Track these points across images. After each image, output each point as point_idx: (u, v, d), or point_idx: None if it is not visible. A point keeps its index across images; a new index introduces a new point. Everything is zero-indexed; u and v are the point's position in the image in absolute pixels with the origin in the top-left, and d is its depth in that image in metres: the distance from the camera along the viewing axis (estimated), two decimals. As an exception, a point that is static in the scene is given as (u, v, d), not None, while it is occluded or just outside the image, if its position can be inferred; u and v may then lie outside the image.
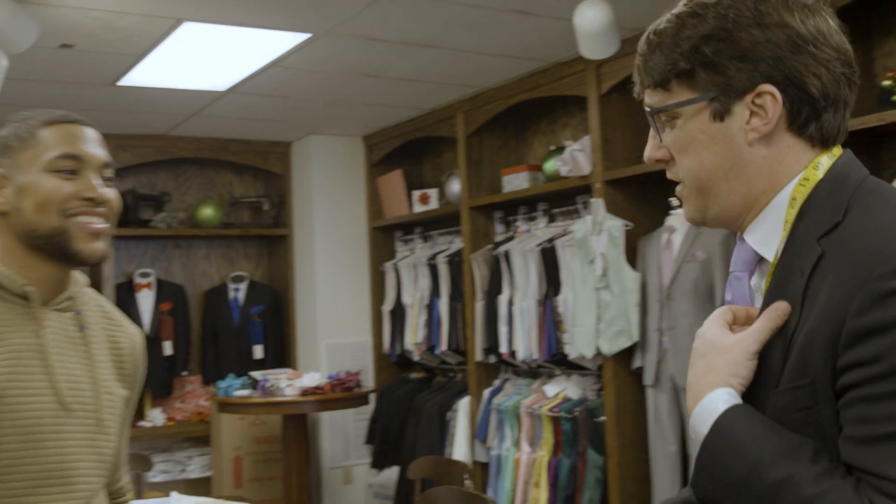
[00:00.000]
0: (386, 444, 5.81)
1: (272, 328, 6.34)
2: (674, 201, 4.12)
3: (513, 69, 4.69)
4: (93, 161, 1.57)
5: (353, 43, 4.14)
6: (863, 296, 1.00)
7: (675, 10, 1.19)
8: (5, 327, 1.49)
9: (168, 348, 6.00)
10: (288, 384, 5.06)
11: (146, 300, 5.99)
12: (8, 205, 1.54)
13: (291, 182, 6.37)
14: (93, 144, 1.59)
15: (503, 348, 4.95)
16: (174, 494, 3.55)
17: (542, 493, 4.55)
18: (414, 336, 5.72)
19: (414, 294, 5.82)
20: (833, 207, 1.10)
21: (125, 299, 5.91)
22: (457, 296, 5.45)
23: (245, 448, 5.76)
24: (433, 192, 5.75)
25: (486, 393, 5.15)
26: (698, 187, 1.19)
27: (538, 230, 4.95)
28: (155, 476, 5.84)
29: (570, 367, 4.75)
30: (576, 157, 4.40)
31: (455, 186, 5.49)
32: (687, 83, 1.16)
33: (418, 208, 5.79)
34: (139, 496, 3.82)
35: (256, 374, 5.33)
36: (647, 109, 1.21)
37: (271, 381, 5.14)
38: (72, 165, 1.54)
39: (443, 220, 5.81)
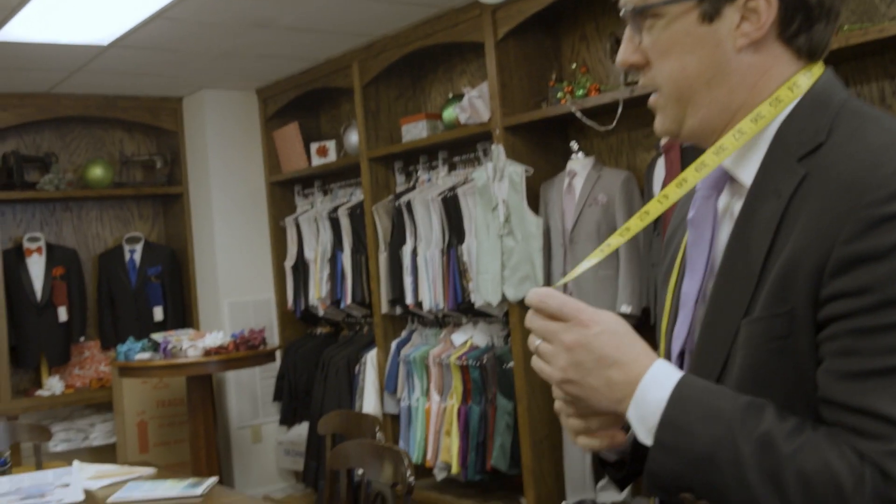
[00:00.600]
0: (294, 400, 5.76)
1: (171, 289, 6.19)
2: (574, 145, 4.13)
3: (407, 16, 4.60)
4: None
5: (242, -9, 4.00)
6: (854, 222, 0.95)
7: None
8: None
9: (63, 314, 5.79)
10: (190, 345, 4.94)
11: (37, 266, 5.76)
12: None
13: (184, 138, 6.18)
14: None
15: (409, 299, 4.92)
16: (76, 463, 3.46)
17: (453, 441, 4.57)
18: (318, 291, 5.64)
19: (316, 248, 5.73)
20: (815, 128, 1.05)
21: (14, 266, 5.68)
22: (360, 248, 5.39)
23: (149, 412, 5.63)
24: (331, 144, 5.65)
25: (394, 344, 5.13)
26: (677, 95, 1.11)
27: (439, 179, 4.91)
28: (57, 445, 5.68)
29: (476, 315, 4.76)
30: (474, 104, 4.35)
31: (353, 138, 5.40)
32: None
33: (317, 161, 5.68)
34: (38, 467, 3.70)
35: (157, 336, 5.19)
36: (629, 7, 1.12)
37: (173, 343, 5.02)
38: None
39: (342, 173, 5.73)
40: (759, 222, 1.05)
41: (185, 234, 6.21)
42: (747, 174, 1.10)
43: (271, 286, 6.13)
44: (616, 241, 1.13)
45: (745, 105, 1.09)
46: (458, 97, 4.59)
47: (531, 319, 1.07)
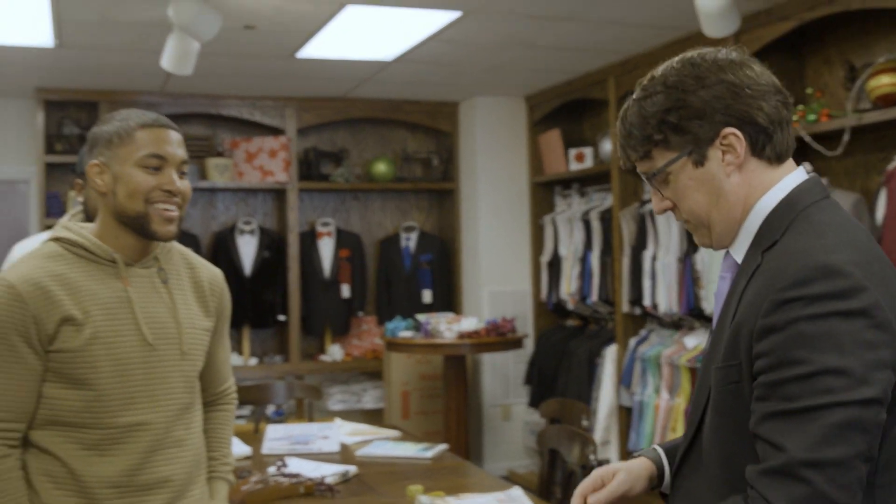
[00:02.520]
0: (542, 385, 6.23)
1: (440, 275, 6.85)
2: (807, 166, 4.28)
3: (658, 37, 4.92)
4: (173, 160, 1.98)
5: (501, 18, 4.50)
6: (768, 302, 1.30)
7: (634, 97, 1.49)
8: (98, 285, 1.94)
9: (346, 291, 6.62)
10: (447, 328, 5.55)
11: (326, 247, 6.61)
12: (106, 187, 1.97)
13: (459, 139, 6.82)
14: (175, 146, 1.99)
15: (646, 301, 5.25)
16: (337, 420, 4.12)
17: (676, 438, 4.85)
18: (568, 286, 6.08)
19: (569, 247, 6.17)
20: (777, 228, 1.40)
21: (308, 246, 6.56)
22: (607, 250, 5.77)
23: (412, 384, 6.32)
24: (588, 151, 6.05)
25: (633, 342, 5.47)
26: (698, 222, 1.48)
27: (682, 190, 5.18)
28: (334, 405, 6.51)
29: (707, 321, 5.00)
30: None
31: (607, 146, 5.77)
32: (664, 147, 1.45)
33: (574, 166, 6.11)
34: (310, 420, 4.41)
35: (421, 317, 5.84)
36: (643, 176, 1.50)
37: (433, 324, 5.64)
38: (157, 163, 1.95)
39: (597, 178, 6.11)
40: (734, 294, 1.44)
41: (454, 226, 6.85)
42: (740, 258, 1.48)
43: (528, 279, 6.64)
44: None
45: (742, 211, 1.45)
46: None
47: None
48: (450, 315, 5.93)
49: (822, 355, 1.24)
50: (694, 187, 1.45)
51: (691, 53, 1.46)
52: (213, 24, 3.77)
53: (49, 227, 5.35)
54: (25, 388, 1.90)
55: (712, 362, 1.44)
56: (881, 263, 1.34)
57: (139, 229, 1.97)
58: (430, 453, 3.56)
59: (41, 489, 1.92)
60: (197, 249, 6.27)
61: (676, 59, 1.47)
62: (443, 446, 3.67)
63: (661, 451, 1.64)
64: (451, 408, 5.70)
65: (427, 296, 6.81)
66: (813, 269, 1.28)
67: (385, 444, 3.74)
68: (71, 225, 2.03)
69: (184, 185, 2.00)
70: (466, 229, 6.77)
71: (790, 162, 1.48)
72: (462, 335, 5.52)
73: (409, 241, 6.87)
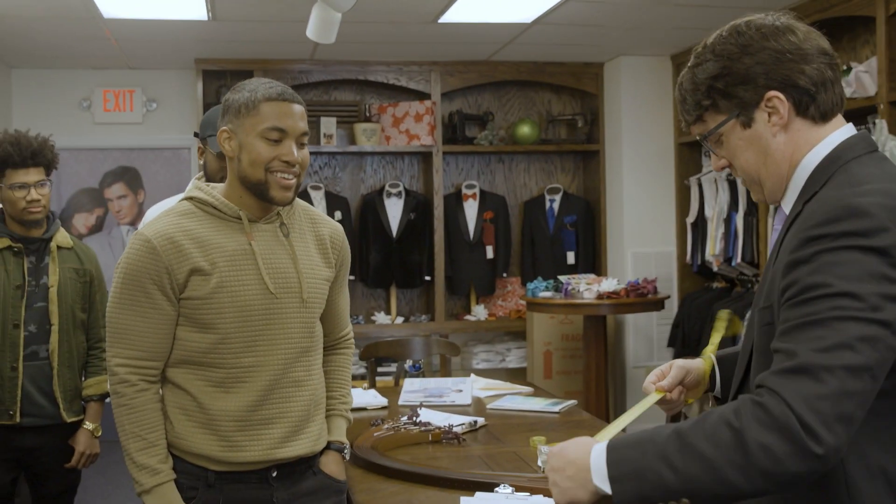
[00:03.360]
0: (686, 347, 6.19)
1: (584, 236, 6.88)
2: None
3: (803, -9, 4.78)
4: (293, 132, 2.12)
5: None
6: (797, 240, 1.40)
7: (689, 65, 1.60)
8: (225, 239, 2.13)
9: (490, 252, 6.74)
10: (587, 288, 5.59)
11: (471, 209, 6.74)
12: (232, 153, 2.14)
13: (603, 100, 6.80)
14: (296, 119, 2.12)
15: (791, 262, 5.14)
16: (472, 376, 4.25)
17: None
18: (713, 247, 6.01)
19: (714, 207, 6.08)
20: (819, 181, 1.50)
21: (453, 208, 6.71)
22: (752, 210, 5.66)
23: (554, 343, 6.40)
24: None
25: (777, 304, 5.37)
26: (751, 179, 1.59)
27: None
28: (478, 364, 6.66)
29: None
30: (860, 78, 4.45)
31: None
32: (714, 111, 1.56)
33: (720, 125, 5.99)
34: (447, 374, 4.56)
35: (563, 278, 5.90)
36: (698, 138, 1.61)
37: (573, 285, 5.69)
38: (277, 136, 2.10)
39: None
40: (777, 243, 1.52)
41: (598, 187, 6.85)
42: (788, 209, 1.58)
43: (673, 240, 6.58)
44: None
45: (790, 168, 1.55)
46: (847, 70, 4.69)
47: None
48: (590, 276, 5.96)
49: (841, 281, 1.32)
50: (743, 147, 1.55)
51: (739, 21, 1.55)
52: (351, -8, 3.92)
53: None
54: (160, 330, 2.11)
55: (756, 305, 1.54)
56: None
57: (259, 194, 2.14)
58: (557, 408, 3.64)
59: (175, 420, 2.15)
60: (346, 212, 6.52)
61: (726, 27, 1.56)
62: (571, 402, 3.74)
63: (714, 358, 1.81)
64: (591, 367, 5.75)
65: (570, 257, 6.86)
66: (840, 208, 1.37)
67: (515, 399, 3.84)
68: (202, 185, 2.23)
69: (302, 155, 2.15)
70: (610, 191, 6.76)
71: (838, 118, 1.55)
72: (602, 295, 5.55)
73: (553, 203, 6.92)
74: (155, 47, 5.95)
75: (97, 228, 6.75)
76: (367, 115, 6.71)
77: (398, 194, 6.63)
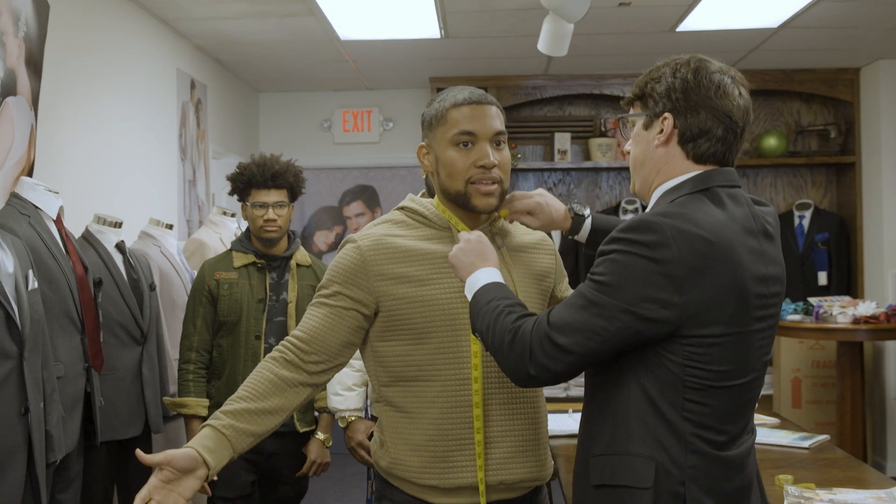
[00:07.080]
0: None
1: (837, 255, 6.38)
2: None
3: None
4: (485, 133, 2.01)
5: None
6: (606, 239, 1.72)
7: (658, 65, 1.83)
8: (433, 244, 2.05)
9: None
10: (841, 311, 5.15)
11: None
12: (431, 167, 2.08)
13: (860, 108, 6.28)
14: (487, 119, 2.01)
15: None
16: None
17: None
18: None
19: None
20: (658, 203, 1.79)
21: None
22: None
23: (804, 370, 5.95)
24: None
25: None
26: (632, 169, 1.86)
27: None
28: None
29: None
30: None
31: None
32: (641, 104, 1.82)
33: None
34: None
35: (813, 300, 5.48)
36: (621, 118, 1.88)
37: (825, 308, 5.27)
38: (467, 139, 2.00)
39: None
40: None
41: (854, 202, 6.33)
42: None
43: (941, 260, 5.97)
44: None
45: (655, 181, 1.79)
46: None
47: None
48: (846, 298, 5.50)
49: (612, 276, 1.66)
50: (636, 141, 1.83)
51: (711, 61, 1.76)
52: (582, 4, 3.78)
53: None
54: (338, 328, 2.02)
55: None
56: (729, 249, 1.64)
57: (462, 205, 2.06)
58: (807, 443, 3.33)
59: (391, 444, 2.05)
60: (580, 229, 6.36)
61: (698, 56, 1.78)
62: (823, 437, 3.42)
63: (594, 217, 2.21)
64: (845, 398, 5.30)
65: (822, 278, 6.37)
66: (640, 221, 1.67)
67: (760, 431, 3.55)
68: (416, 197, 2.19)
69: (499, 156, 2.03)
70: (868, 206, 6.22)
71: (721, 169, 1.76)
72: (858, 320, 5.09)
73: (803, 220, 6.46)
74: (390, 67, 6.05)
75: (335, 246, 6.95)
76: (603, 129, 6.54)
77: (634, 211, 6.41)
